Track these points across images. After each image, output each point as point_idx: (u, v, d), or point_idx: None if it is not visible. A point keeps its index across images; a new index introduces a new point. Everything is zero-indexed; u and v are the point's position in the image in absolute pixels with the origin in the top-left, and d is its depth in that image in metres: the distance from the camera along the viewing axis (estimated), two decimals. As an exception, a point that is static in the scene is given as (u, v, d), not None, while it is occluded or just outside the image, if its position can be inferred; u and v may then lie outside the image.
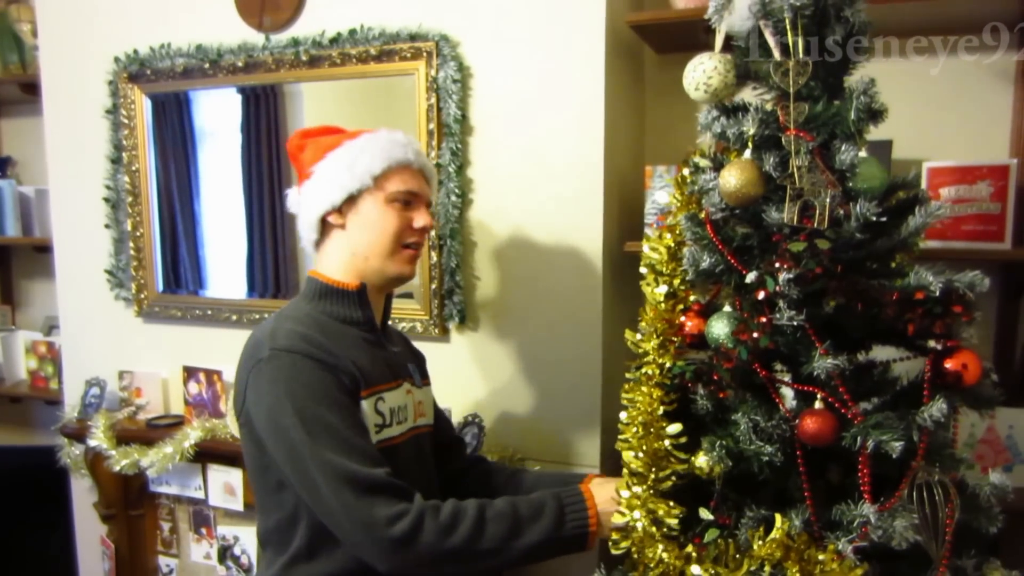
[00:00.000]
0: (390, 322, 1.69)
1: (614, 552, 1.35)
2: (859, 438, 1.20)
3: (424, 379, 1.72)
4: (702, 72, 1.36)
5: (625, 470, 1.36)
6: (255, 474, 1.48)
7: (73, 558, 2.87)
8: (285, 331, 1.42)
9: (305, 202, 1.54)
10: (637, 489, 1.33)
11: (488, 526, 1.33)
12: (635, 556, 1.32)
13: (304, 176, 1.55)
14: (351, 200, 1.50)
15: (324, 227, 1.53)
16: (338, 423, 1.35)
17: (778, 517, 1.25)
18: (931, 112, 2.06)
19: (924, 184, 1.89)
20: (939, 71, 2.05)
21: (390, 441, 1.47)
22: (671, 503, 1.31)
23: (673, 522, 1.30)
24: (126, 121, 2.51)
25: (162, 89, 2.47)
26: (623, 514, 1.34)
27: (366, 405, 1.43)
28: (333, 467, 1.30)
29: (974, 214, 1.88)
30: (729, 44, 1.40)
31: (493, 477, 1.74)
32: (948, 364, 1.22)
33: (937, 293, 1.20)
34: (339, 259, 1.53)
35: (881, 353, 1.38)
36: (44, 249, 3.02)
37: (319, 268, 1.56)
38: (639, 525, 1.31)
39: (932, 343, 1.24)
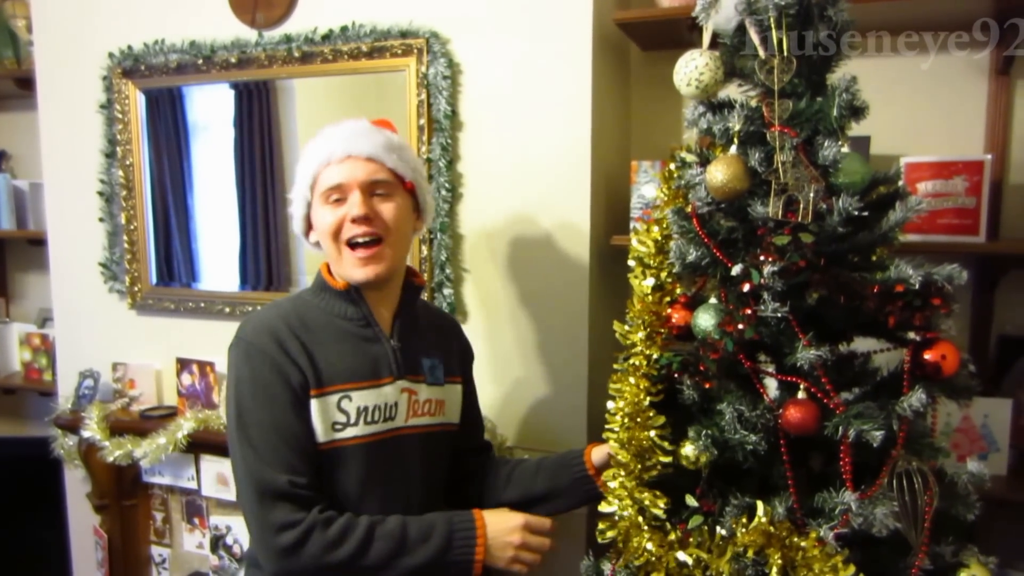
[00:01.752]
0: (444, 312, 1.74)
1: (601, 540, 1.37)
2: (841, 427, 1.22)
3: (451, 376, 1.65)
4: (694, 68, 1.38)
5: (612, 459, 1.39)
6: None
7: (66, 548, 2.88)
8: (258, 320, 1.49)
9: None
10: (623, 478, 1.35)
11: (375, 544, 1.37)
12: (621, 544, 1.34)
13: None
14: (308, 217, 1.53)
15: (314, 243, 1.57)
16: (267, 422, 1.40)
17: (761, 505, 1.27)
18: (908, 108, 2.08)
19: (902, 179, 1.91)
20: (916, 68, 2.08)
21: (351, 440, 1.46)
22: (657, 492, 1.34)
23: (659, 511, 1.32)
24: (120, 116, 2.52)
25: (156, 84, 2.48)
26: (611, 503, 1.36)
27: (317, 404, 1.43)
28: (247, 466, 1.38)
29: (950, 208, 1.91)
30: (715, 42, 1.42)
31: (496, 470, 1.72)
32: (927, 355, 1.24)
33: (917, 286, 1.22)
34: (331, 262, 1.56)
35: (862, 344, 1.39)
36: (38, 242, 3.02)
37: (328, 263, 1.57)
38: (626, 514, 1.34)
39: (912, 335, 1.26)
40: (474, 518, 1.46)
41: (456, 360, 1.70)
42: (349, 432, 1.46)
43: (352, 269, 1.48)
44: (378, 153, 1.48)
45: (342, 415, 1.46)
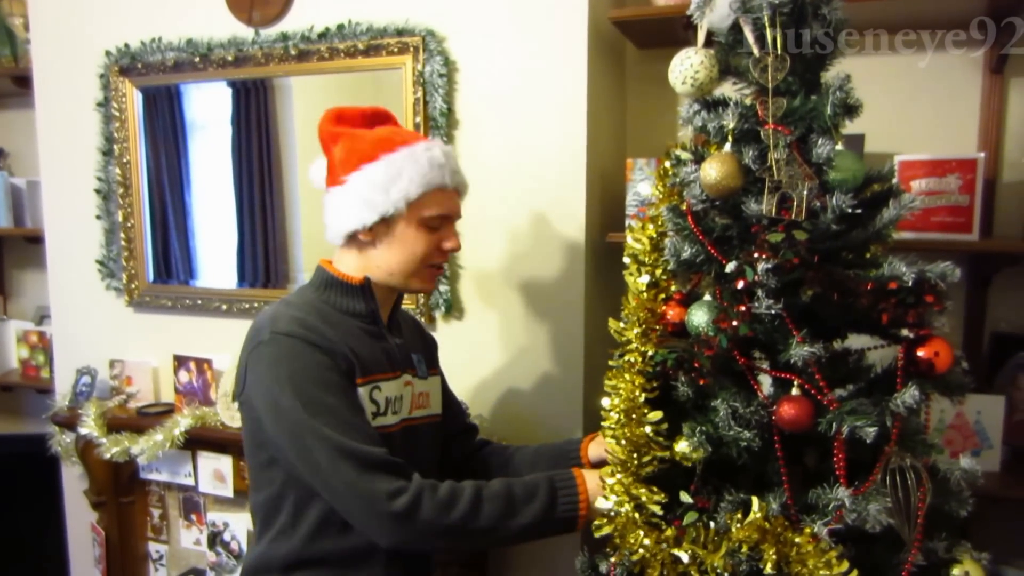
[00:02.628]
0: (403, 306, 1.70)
1: (597, 536, 1.38)
2: (834, 424, 1.22)
3: (432, 368, 1.72)
4: (689, 66, 1.39)
5: (609, 456, 1.40)
6: (250, 450, 1.51)
7: (64, 545, 2.89)
8: (287, 317, 1.45)
9: (335, 210, 1.51)
10: (620, 475, 1.36)
11: (484, 505, 1.36)
12: (617, 540, 1.35)
13: (335, 178, 1.51)
14: (383, 221, 1.48)
15: (351, 238, 1.52)
16: (337, 404, 1.38)
17: (756, 501, 1.28)
18: (902, 106, 2.09)
19: (895, 177, 1.92)
20: (910, 66, 2.09)
21: (384, 429, 1.48)
22: (654, 488, 1.34)
23: (656, 508, 1.33)
24: (117, 114, 2.52)
25: (153, 82, 2.48)
26: (607, 499, 1.37)
27: (362, 392, 1.45)
28: (334, 445, 1.33)
29: (944, 206, 1.92)
30: (709, 40, 1.43)
31: (492, 459, 1.77)
32: (920, 352, 1.25)
33: (910, 283, 1.22)
34: (355, 262, 1.54)
35: (856, 341, 1.40)
36: (35, 240, 3.02)
37: (333, 261, 1.57)
38: (622, 510, 1.34)
39: (905, 332, 1.26)
40: (574, 475, 1.46)
41: (432, 353, 1.77)
42: (380, 421, 1.48)
43: (425, 283, 1.57)
44: (464, 191, 1.62)
45: (374, 405, 1.48)
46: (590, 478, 1.45)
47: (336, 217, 1.51)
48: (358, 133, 1.51)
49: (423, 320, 2.20)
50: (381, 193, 1.46)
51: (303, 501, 1.46)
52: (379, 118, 1.58)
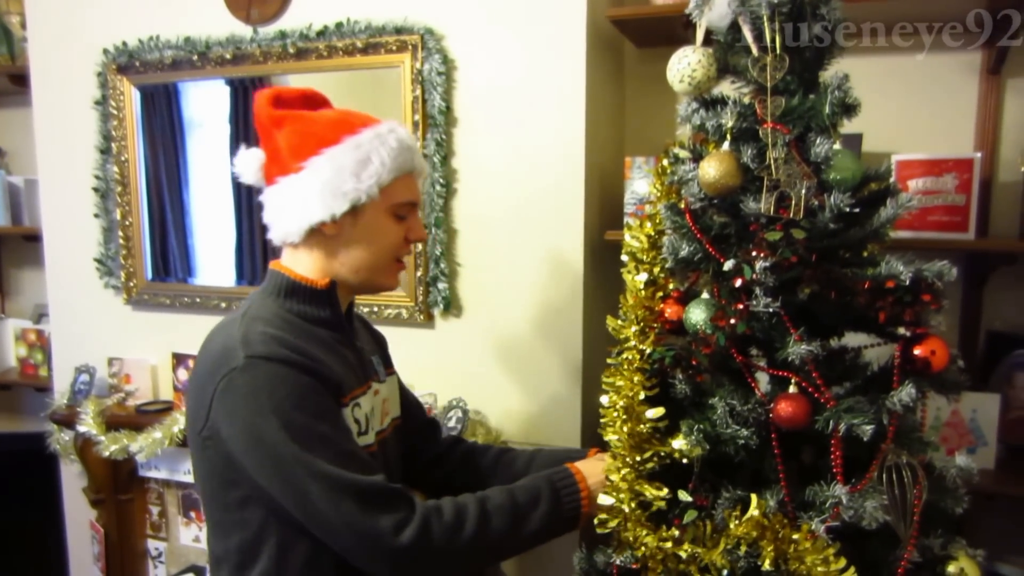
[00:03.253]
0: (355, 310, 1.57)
1: (600, 532, 1.38)
2: (831, 421, 1.23)
3: (388, 368, 1.60)
4: (687, 65, 1.39)
5: (609, 454, 1.40)
6: (212, 491, 1.32)
7: (63, 542, 2.89)
8: (258, 335, 1.26)
9: (290, 202, 1.34)
10: (623, 471, 1.36)
11: (492, 520, 1.27)
12: (620, 536, 1.35)
13: (285, 166, 1.34)
14: (351, 211, 1.33)
15: (310, 234, 1.36)
16: (330, 432, 1.23)
17: (754, 498, 1.28)
18: (899, 106, 2.10)
19: (893, 176, 1.93)
20: (908, 66, 2.10)
21: (366, 450, 1.36)
22: (657, 484, 1.35)
23: (660, 503, 1.34)
24: (115, 112, 2.52)
25: (151, 81, 2.48)
26: (610, 495, 1.37)
27: (346, 413, 1.33)
28: (331, 480, 1.19)
29: (940, 205, 1.93)
30: (708, 38, 1.43)
31: (478, 458, 1.65)
32: (917, 350, 1.25)
33: (907, 282, 1.23)
34: (317, 262, 1.38)
35: (853, 339, 1.41)
36: (33, 238, 3.02)
37: (286, 262, 1.40)
38: (625, 508, 1.35)
39: (902, 330, 1.27)
40: (571, 471, 1.41)
41: (385, 352, 1.64)
42: (362, 441, 1.36)
43: (392, 278, 1.43)
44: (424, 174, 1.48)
45: (356, 425, 1.36)
46: (587, 469, 1.42)
47: (292, 211, 1.33)
48: (307, 115, 1.35)
49: (420, 318, 2.21)
50: (351, 179, 1.31)
51: (287, 542, 1.29)
52: (318, 101, 1.42)
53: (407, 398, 1.68)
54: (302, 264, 1.38)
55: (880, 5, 1.88)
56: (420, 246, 2.17)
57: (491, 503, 1.30)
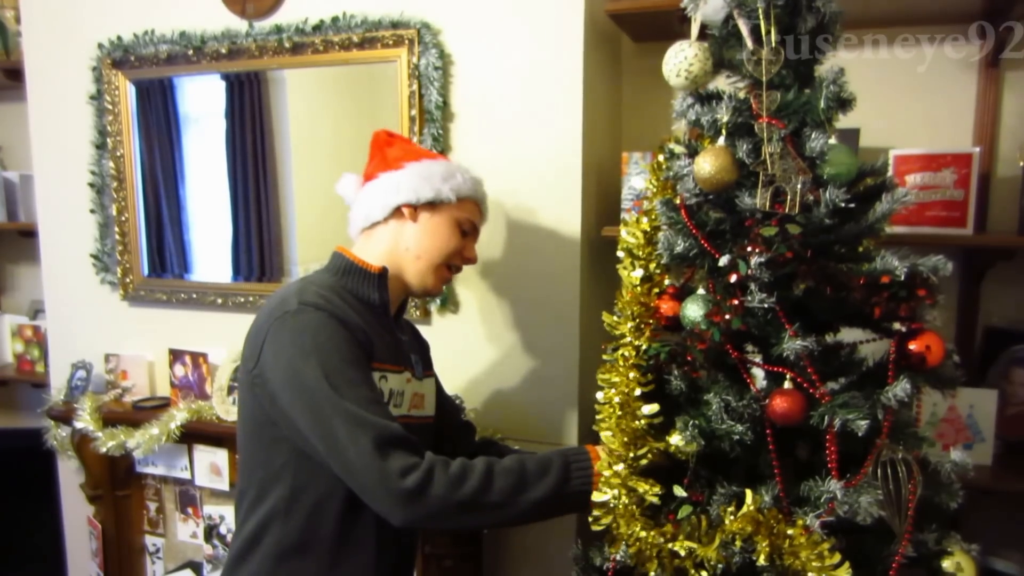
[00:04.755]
0: (404, 315, 1.75)
1: (594, 528, 1.38)
2: (826, 417, 1.23)
3: (427, 370, 1.75)
4: (683, 59, 1.39)
5: (603, 450, 1.40)
6: (252, 428, 1.49)
7: (60, 539, 2.89)
8: (312, 291, 1.45)
9: (385, 186, 1.58)
10: (618, 467, 1.36)
11: (496, 480, 1.35)
12: (615, 532, 1.35)
13: (388, 165, 1.60)
14: (432, 204, 1.58)
15: (392, 213, 1.58)
16: (359, 378, 1.38)
17: (749, 493, 1.29)
18: (897, 101, 2.10)
19: (891, 171, 1.93)
20: (906, 60, 2.09)
21: None
22: (651, 481, 1.35)
23: (654, 499, 1.34)
24: (110, 107, 2.51)
25: (146, 75, 2.47)
26: (604, 491, 1.37)
27: (375, 376, 1.47)
28: (354, 417, 1.32)
29: (938, 200, 1.92)
30: (704, 33, 1.43)
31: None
32: (912, 346, 1.25)
33: (902, 277, 1.23)
34: (382, 247, 1.58)
35: (848, 335, 1.41)
36: (29, 234, 3.01)
37: (351, 248, 1.60)
38: (619, 503, 1.35)
39: (897, 325, 1.27)
40: (587, 450, 1.45)
41: (427, 356, 1.79)
42: None
43: (438, 282, 1.63)
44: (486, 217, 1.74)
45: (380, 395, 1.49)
46: (604, 453, 1.43)
47: (385, 194, 1.58)
48: (412, 142, 1.71)
49: (417, 315, 2.21)
50: (439, 180, 1.58)
51: (299, 487, 1.45)
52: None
53: (444, 402, 1.82)
54: (365, 251, 1.59)
55: (861, 7, 1.88)
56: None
57: (500, 465, 1.38)
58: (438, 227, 1.59)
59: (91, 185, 2.58)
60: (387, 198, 1.57)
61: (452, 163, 1.65)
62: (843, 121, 1.38)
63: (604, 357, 1.45)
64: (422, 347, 1.79)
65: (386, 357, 1.52)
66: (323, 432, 1.34)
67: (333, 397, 1.34)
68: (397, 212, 1.58)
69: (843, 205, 1.27)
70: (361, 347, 1.43)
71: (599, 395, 1.42)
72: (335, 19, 2.19)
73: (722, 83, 1.43)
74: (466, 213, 1.62)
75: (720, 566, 1.28)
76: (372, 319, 1.53)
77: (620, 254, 1.51)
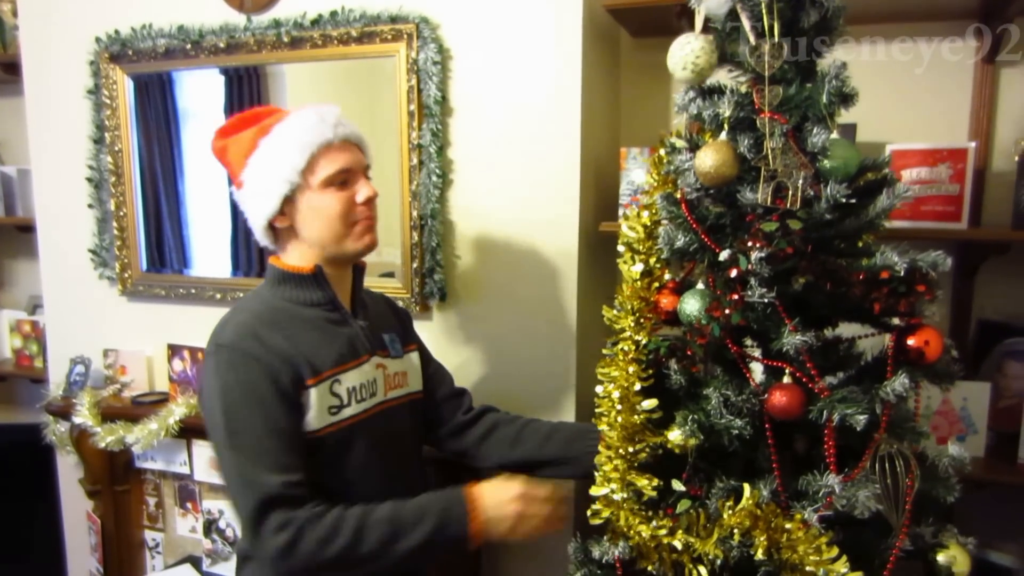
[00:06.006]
0: (370, 289, 1.72)
1: (593, 523, 1.39)
2: (825, 412, 1.24)
3: (408, 345, 1.73)
4: (690, 51, 1.39)
5: (603, 442, 1.41)
6: None
7: (59, 533, 2.89)
8: (234, 324, 1.48)
9: (247, 212, 1.55)
10: (615, 462, 1.37)
11: (368, 533, 1.38)
12: (614, 526, 1.36)
13: (237, 184, 1.55)
14: (288, 200, 1.50)
15: (274, 229, 1.55)
16: (259, 424, 1.40)
17: (747, 487, 1.29)
18: (894, 96, 2.10)
19: (889, 166, 1.93)
20: (903, 56, 2.09)
21: (349, 420, 1.51)
22: (649, 475, 1.35)
23: (652, 493, 1.34)
24: (108, 102, 2.50)
25: (144, 70, 2.46)
26: (602, 485, 1.38)
27: (315, 393, 1.46)
28: (240, 472, 1.39)
29: (935, 195, 1.93)
30: (706, 27, 1.43)
31: (502, 428, 1.76)
32: (911, 341, 1.26)
33: (901, 272, 1.23)
34: (299, 250, 1.55)
35: (847, 330, 1.41)
36: (27, 229, 3.01)
37: (280, 255, 1.58)
38: (617, 497, 1.36)
39: (896, 320, 1.28)
40: (467, 494, 1.46)
41: (407, 329, 1.78)
42: (346, 412, 1.50)
43: (358, 240, 1.53)
44: (364, 140, 1.58)
45: (336, 399, 1.49)
46: (489, 497, 1.46)
47: (251, 219, 1.55)
48: (238, 136, 1.53)
49: (416, 309, 2.21)
50: (271, 177, 1.48)
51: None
52: (262, 116, 1.57)
53: (434, 372, 1.81)
54: (289, 255, 1.56)
55: (861, 3, 1.88)
56: (416, 236, 2.17)
57: (373, 517, 1.41)
58: (310, 211, 1.50)
59: (89, 180, 2.58)
60: (256, 226, 1.55)
61: (270, 136, 1.50)
62: (840, 116, 1.38)
63: (604, 351, 1.45)
64: (400, 322, 1.77)
65: (336, 359, 1.51)
66: (224, 476, 1.44)
67: (230, 444, 1.40)
68: (274, 228, 1.54)
69: (844, 200, 1.27)
70: (275, 380, 1.42)
71: (598, 389, 1.42)
72: (333, 13, 2.19)
73: (724, 77, 1.43)
74: (323, 170, 1.48)
75: (718, 560, 1.29)
76: (319, 320, 1.53)
77: (620, 248, 1.52)
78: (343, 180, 1.51)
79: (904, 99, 2.10)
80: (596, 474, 1.41)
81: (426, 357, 1.81)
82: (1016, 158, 1.98)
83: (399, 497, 1.46)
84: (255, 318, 1.49)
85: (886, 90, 2.09)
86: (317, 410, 1.46)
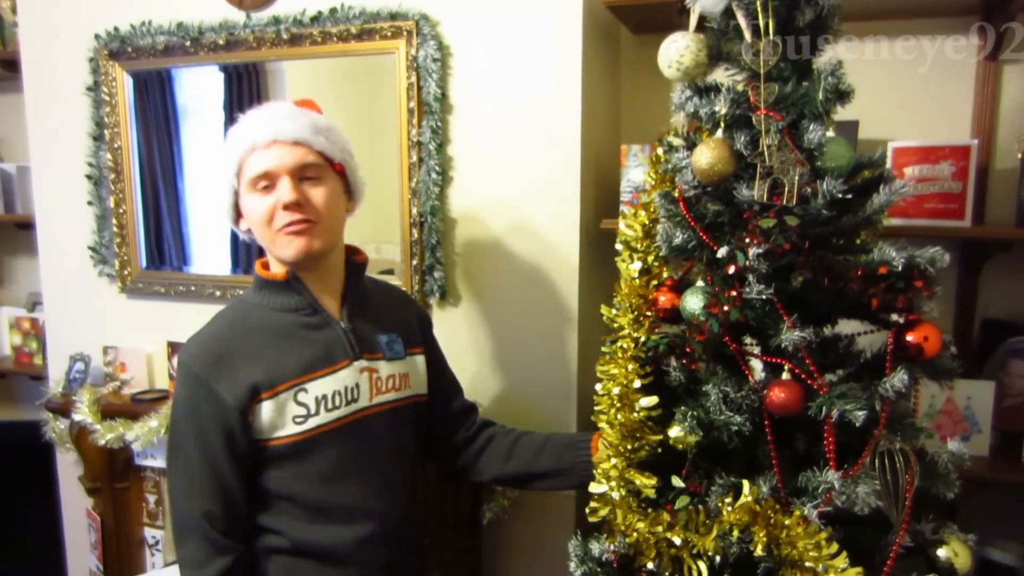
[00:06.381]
0: (393, 285, 1.74)
1: (592, 520, 1.39)
2: (824, 408, 1.24)
3: (414, 347, 1.67)
4: (675, 50, 1.39)
5: (602, 440, 1.40)
6: None
7: (59, 531, 2.89)
8: (198, 340, 1.49)
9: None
10: (614, 460, 1.37)
11: None
12: (612, 522, 1.36)
13: None
14: (235, 208, 1.53)
15: (250, 236, 1.55)
16: (194, 454, 1.43)
17: (746, 484, 1.29)
18: (896, 93, 2.10)
19: (889, 163, 1.93)
20: (905, 52, 2.09)
21: (316, 430, 1.47)
22: (647, 473, 1.35)
23: (650, 492, 1.34)
24: (107, 99, 2.50)
25: (143, 67, 2.46)
26: (601, 483, 1.38)
27: (269, 405, 1.43)
28: (173, 491, 1.47)
29: (936, 192, 1.92)
30: (703, 25, 1.43)
31: (495, 442, 1.74)
32: (910, 337, 1.25)
33: (900, 268, 1.23)
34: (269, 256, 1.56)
35: (846, 326, 1.41)
36: (26, 226, 3.01)
37: (267, 258, 1.57)
38: (615, 495, 1.35)
39: (895, 316, 1.27)
40: None
41: (416, 330, 1.71)
42: (312, 422, 1.46)
43: (284, 248, 1.45)
44: (305, 136, 1.45)
45: (301, 408, 1.46)
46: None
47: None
48: None
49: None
50: (222, 182, 1.52)
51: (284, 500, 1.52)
52: None
53: (443, 382, 1.78)
54: (270, 259, 1.55)
55: (882, 17, 1.89)
56: (416, 233, 2.17)
57: None
58: (246, 214, 1.50)
59: (88, 177, 2.58)
60: (232, 226, 1.58)
61: (225, 145, 1.50)
62: (842, 113, 1.37)
63: (603, 349, 1.45)
64: (408, 322, 1.70)
65: (303, 367, 1.47)
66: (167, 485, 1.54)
67: (171, 461, 1.47)
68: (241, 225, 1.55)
69: (840, 196, 1.27)
70: (222, 407, 1.42)
71: (598, 387, 1.42)
72: (333, 10, 2.18)
73: (720, 75, 1.43)
74: (247, 174, 1.45)
75: (717, 556, 1.29)
76: (295, 325, 1.50)
77: (619, 247, 1.52)
78: (266, 184, 1.44)
79: (907, 96, 2.10)
80: (595, 471, 1.41)
81: (435, 365, 1.75)
82: (1019, 155, 1.98)
83: (382, 503, 1.51)
84: (222, 331, 1.50)
85: (889, 87, 2.09)
86: (270, 422, 1.44)
